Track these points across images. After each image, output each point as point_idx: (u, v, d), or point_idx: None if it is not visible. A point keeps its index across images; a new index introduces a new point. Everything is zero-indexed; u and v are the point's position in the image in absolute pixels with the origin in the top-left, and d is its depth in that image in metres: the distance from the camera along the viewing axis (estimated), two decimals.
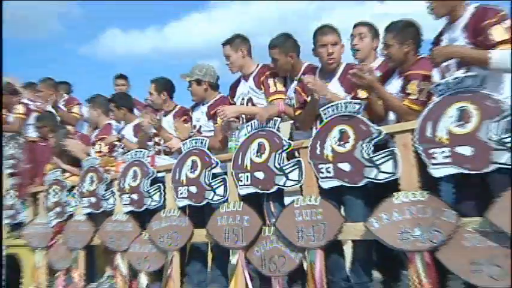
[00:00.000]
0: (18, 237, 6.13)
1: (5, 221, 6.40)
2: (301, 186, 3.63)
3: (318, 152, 3.47)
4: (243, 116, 4.40)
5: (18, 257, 6.13)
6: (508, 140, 2.70)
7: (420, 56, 3.54)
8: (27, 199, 6.20)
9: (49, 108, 6.66)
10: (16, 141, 6.69)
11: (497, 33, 2.99)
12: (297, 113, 4.07)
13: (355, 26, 4.38)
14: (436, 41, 3.44)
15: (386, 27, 3.74)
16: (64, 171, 5.73)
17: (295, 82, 4.15)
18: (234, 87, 4.69)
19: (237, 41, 4.50)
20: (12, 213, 6.36)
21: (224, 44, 4.52)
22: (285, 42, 4.16)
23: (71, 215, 5.44)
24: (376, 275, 3.85)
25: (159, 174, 4.61)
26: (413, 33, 3.54)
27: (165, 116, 5.11)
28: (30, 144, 6.53)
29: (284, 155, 3.69)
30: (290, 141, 3.74)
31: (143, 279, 4.55)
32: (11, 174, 6.56)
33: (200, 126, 4.84)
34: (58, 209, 5.58)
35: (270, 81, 4.34)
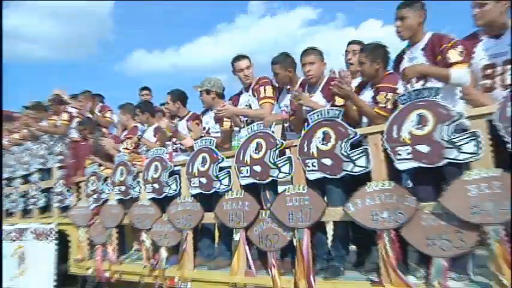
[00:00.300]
0: (66, 217, 6.15)
1: (55, 205, 6.47)
2: (291, 178, 3.61)
3: (305, 149, 3.46)
4: (244, 119, 4.42)
5: (66, 232, 6.15)
6: (457, 139, 2.73)
7: (388, 72, 3.54)
8: (72, 187, 6.21)
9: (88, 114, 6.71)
10: (63, 142, 6.70)
11: (453, 55, 3.06)
12: (290, 118, 4.08)
13: (349, 43, 4.38)
14: (399, 58, 3.48)
15: (361, 48, 3.75)
16: (100, 165, 5.75)
17: (292, 93, 4.14)
18: (236, 96, 4.70)
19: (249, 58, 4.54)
20: (61, 198, 6.38)
21: (242, 58, 4.52)
22: (285, 59, 4.14)
23: (106, 200, 5.44)
24: (352, 248, 3.85)
25: (176, 168, 4.59)
26: (383, 54, 3.55)
27: (180, 120, 5.11)
28: (74, 144, 6.53)
29: (277, 152, 3.68)
30: (282, 141, 3.74)
31: (163, 252, 4.55)
32: (59, 168, 6.58)
33: (209, 128, 4.85)
34: (96, 196, 5.59)
35: (261, 88, 4.35)
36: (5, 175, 7.77)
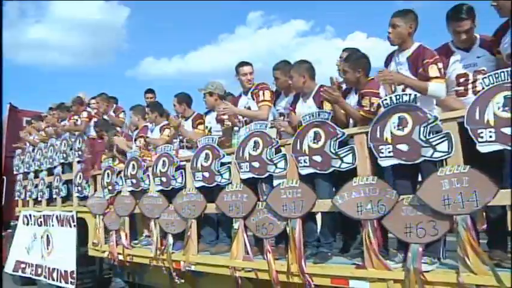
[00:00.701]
0: (84, 206, 6.15)
1: (75, 195, 6.45)
2: (286, 173, 3.60)
3: (298, 147, 3.47)
4: (243, 119, 4.41)
5: (85, 219, 6.16)
6: (433, 139, 2.74)
7: (370, 78, 3.53)
8: (90, 179, 6.20)
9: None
10: (82, 138, 6.70)
11: (433, 71, 3.06)
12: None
13: (344, 50, 4.37)
14: (388, 58, 3.47)
15: (345, 58, 3.74)
16: (114, 160, 5.74)
17: (290, 97, 4.14)
18: (235, 99, 4.70)
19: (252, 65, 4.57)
20: (80, 189, 6.37)
21: (246, 64, 4.53)
22: (285, 66, 4.11)
23: (119, 192, 5.44)
24: (339, 236, 3.86)
25: (182, 163, 4.57)
26: (363, 63, 3.54)
27: (186, 120, 5.10)
28: (91, 141, 6.54)
29: (273, 149, 3.67)
30: (278, 140, 3.74)
31: (170, 238, 4.56)
32: (79, 162, 6.58)
33: (211, 128, 4.84)
34: (110, 187, 5.58)
35: (260, 92, 4.36)
36: (33, 168, 7.82)
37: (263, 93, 4.34)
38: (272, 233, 3.62)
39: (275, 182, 3.79)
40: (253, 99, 4.39)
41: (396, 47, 3.38)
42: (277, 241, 3.82)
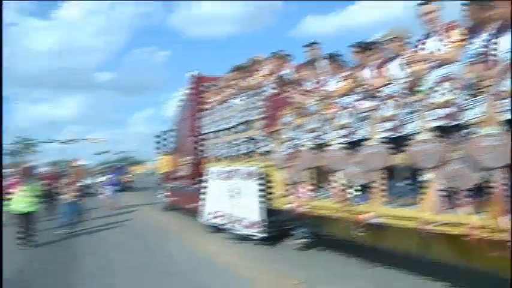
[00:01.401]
0: (266, 160, 6.69)
1: (257, 150, 7.07)
2: (482, 120, 3.32)
3: (499, 90, 3.17)
4: (432, 63, 4.15)
5: (268, 173, 6.68)
6: None
7: None
8: (272, 135, 6.60)
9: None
10: (261, 96, 7.12)
11: None
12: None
13: None
14: None
15: None
16: (294, 115, 5.98)
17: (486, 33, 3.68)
18: (422, 41, 4.41)
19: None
20: (261, 145, 6.94)
21: (429, 2, 4.22)
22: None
23: (301, 146, 5.66)
24: None
25: (365, 113, 4.57)
26: None
27: (366, 69, 5.02)
28: (271, 98, 6.94)
29: (468, 94, 3.42)
30: (473, 81, 3.43)
31: (353, 190, 4.68)
32: (259, 119, 7.08)
33: (395, 75, 4.67)
34: (291, 142, 5.91)
35: (449, 32, 4.06)
36: (216, 128, 8.76)
37: (452, 33, 4.02)
38: (467, 184, 3.43)
39: (471, 130, 3.54)
40: (442, 41, 4.08)
41: None
42: (472, 194, 3.57)
